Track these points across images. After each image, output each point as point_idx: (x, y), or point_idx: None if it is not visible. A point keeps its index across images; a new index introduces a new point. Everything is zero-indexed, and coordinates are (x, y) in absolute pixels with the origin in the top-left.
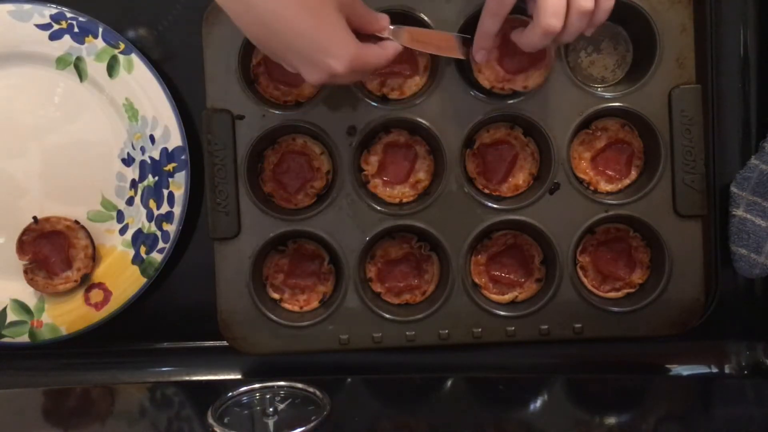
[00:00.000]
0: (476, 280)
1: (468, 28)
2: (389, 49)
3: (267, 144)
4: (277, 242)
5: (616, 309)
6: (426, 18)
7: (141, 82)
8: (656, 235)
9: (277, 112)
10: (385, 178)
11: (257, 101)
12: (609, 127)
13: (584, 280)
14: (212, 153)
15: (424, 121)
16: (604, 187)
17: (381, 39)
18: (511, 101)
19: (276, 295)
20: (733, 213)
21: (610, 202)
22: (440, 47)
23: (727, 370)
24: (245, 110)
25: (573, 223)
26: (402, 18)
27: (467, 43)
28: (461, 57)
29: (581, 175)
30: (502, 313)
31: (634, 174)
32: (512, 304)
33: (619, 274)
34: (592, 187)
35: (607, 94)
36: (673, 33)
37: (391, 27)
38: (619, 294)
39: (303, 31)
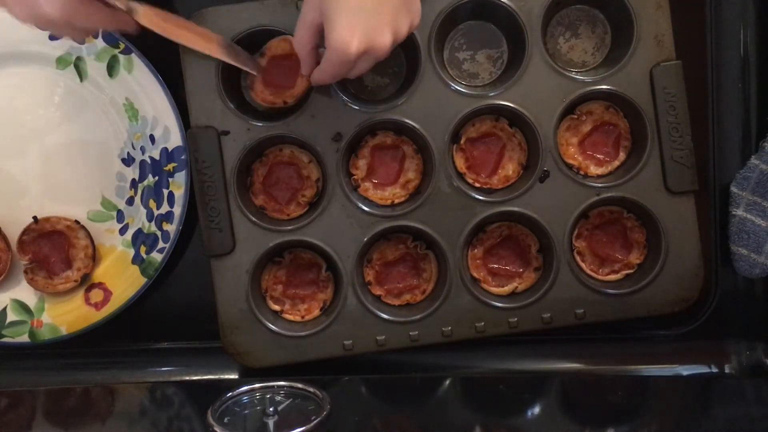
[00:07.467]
0: (475, 275)
1: (445, 25)
2: (120, 21)
3: (254, 157)
4: (273, 254)
5: (616, 291)
6: None
7: (141, 82)
8: (650, 214)
9: (260, 124)
10: (375, 181)
11: (241, 115)
12: (593, 110)
13: (582, 265)
14: (200, 171)
15: (409, 121)
16: (594, 170)
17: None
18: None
19: (276, 307)
20: (733, 213)
21: (600, 185)
22: (197, 42)
23: (727, 370)
24: (229, 125)
25: (566, 210)
26: None
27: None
28: (227, 60)
29: (570, 161)
30: (503, 305)
31: (622, 155)
32: (513, 295)
33: (617, 256)
34: (582, 172)
35: (589, 78)
36: (648, 11)
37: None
38: (618, 276)
39: None
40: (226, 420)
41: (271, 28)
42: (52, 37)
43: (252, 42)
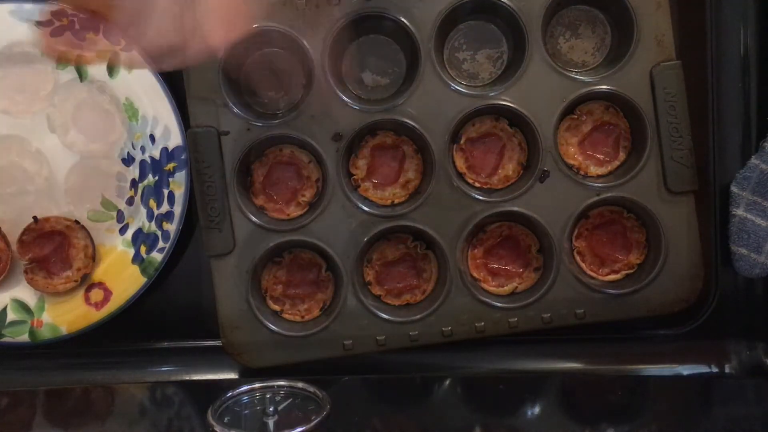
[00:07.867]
0: (475, 275)
1: (445, 25)
2: None
3: (254, 157)
4: (273, 254)
5: (616, 291)
6: (403, 19)
7: (141, 81)
8: (650, 214)
9: (260, 124)
10: (375, 181)
11: (241, 115)
12: (593, 110)
13: (582, 265)
14: (200, 171)
15: (409, 121)
16: (594, 170)
17: None
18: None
19: (276, 307)
20: (733, 213)
21: (600, 185)
22: None
23: (727, 370)
24: (229, 125)
25: (566, 210)
26: (376, 20)
27: None
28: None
29: (570, 161)
30: (503, 305)
31: (622, 155)
32: (513, 295)
33: (617, 256)
34: (582, 172)
35: (589, 78)
36: (648, 11)
37: None
38: (619, 276)
39: None
40: (226, 420)
41: (271, 28)
42: (52, 36)
43: (253, 42)
